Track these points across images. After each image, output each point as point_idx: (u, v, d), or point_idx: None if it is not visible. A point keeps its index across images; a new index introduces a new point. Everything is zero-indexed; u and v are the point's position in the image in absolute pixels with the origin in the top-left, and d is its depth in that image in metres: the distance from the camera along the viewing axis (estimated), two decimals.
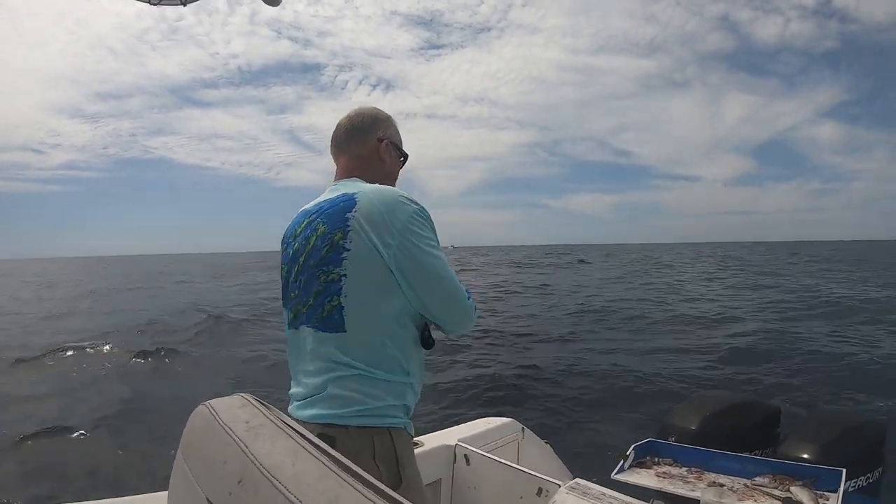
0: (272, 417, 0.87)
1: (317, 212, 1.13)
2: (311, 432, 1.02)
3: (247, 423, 0.88)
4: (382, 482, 1.00)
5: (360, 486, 0.59)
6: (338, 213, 1.08)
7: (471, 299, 1.14)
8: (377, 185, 1.14)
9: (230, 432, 0.80)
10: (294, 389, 1.12)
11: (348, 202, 1.08)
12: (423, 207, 1.10)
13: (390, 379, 1.06)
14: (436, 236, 1.10)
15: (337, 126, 1.28)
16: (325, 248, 1.06)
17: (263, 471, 0.64)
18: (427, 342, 1.13)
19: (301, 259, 1.11)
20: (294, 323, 1.13)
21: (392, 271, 1.04)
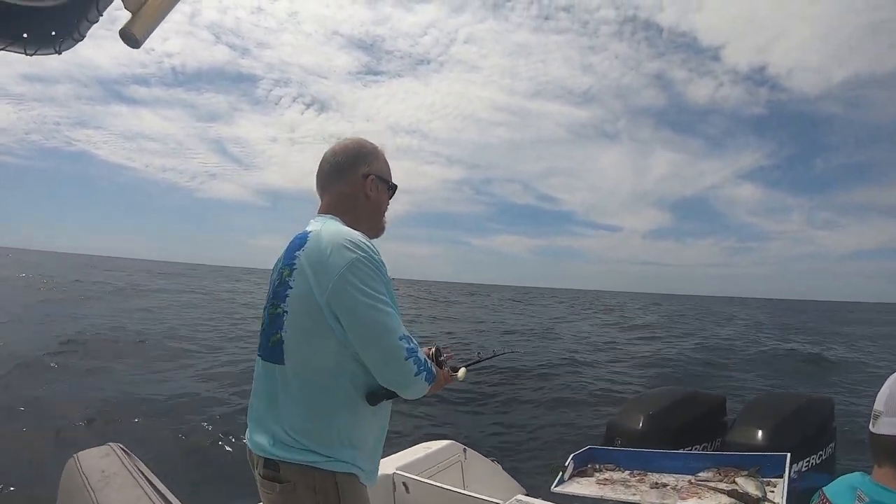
0: (129, 466, 0.91)
1: (286, 246, 1.15)
2: (259, 462, 1.07)
3: (102, 472, 0.93)
4: None
5: None
6: (291, 250, 1.10)
7: (412, 360, 1.03)
8: (337, 227, 1.11)
9: (86, 481, 0.86)
10: (249, 415, 1.14)
11: (301, 240, 1.10)
12: (369, 256, 1.05)
13: (330, 421, 1.04)
14: (382, 286, 1.05)
15: (321, 161, 1.24)
16: (277, 283, 1.11)
17: None
18: (370, 397, 1.07)
19: (269, 290, 1.16)
20: (258, 349, 1.15)
21: (325, 315, 1.02)
